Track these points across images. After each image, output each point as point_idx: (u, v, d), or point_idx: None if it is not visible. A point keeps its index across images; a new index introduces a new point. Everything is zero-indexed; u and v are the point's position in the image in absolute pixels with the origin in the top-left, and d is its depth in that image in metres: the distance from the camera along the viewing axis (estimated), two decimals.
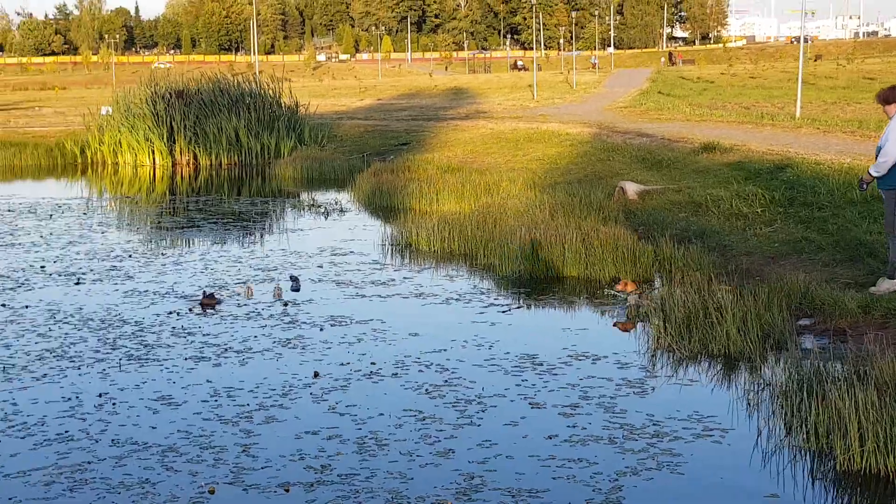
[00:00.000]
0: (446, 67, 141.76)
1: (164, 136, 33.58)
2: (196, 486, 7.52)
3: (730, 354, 10.71)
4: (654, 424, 8.81)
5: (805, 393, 8.69)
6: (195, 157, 33.76)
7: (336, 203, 23.65)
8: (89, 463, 7.95)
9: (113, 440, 8.46)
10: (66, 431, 8.65)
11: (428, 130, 37.55)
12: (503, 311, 12.93)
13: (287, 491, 7.46)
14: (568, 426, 8.80)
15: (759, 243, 15.46)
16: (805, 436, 8.28)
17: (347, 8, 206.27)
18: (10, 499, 7.32)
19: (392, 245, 17.44)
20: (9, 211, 22.53)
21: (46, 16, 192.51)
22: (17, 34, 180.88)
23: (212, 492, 7.43)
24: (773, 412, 8.90)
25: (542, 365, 10.59)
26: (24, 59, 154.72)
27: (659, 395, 9.63)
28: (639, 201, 19.98)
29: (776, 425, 8.63)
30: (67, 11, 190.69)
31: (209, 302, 13.17)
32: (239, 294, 13.82)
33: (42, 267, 15.83)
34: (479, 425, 8.86)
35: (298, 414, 9.15)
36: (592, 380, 10.09)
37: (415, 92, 74.63)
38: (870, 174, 12.20)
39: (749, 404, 9.26)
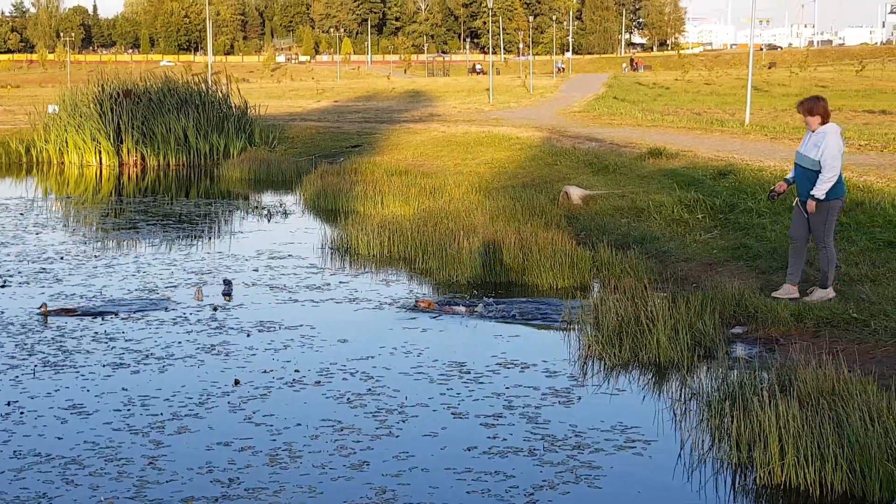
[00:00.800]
0: (405, 70, 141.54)
1: (111, 136, 33.12)
2: (95, 500, 7.24)
3: (660, 363, 10.56)
4: (576, 435, 8.63)
5: (729, 404, 8.54)
6: (143, 158, 33.35)
7: (280, 205, 23.37)
8: None
9: (15, 452, 8.17)
10: None
11: (380, 133, 37.30)
12: (434, 317, 12.72)
13: None
14: (488, 437, 8.60)
15: (697, 250, 15.35)
16: (728, 448, 8.12)
17: (308, 10, 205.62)
18: None
19: (331, 249, 17.20)
20: None
21: (3, 13, 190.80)
22: None
23: None
24: (698, 423, 8.75)
25: (469, 373, 10.39)
26: None
27: (584, 405, 9.46)
28: (583, 206, 19.84)
29: (700, 437, 8.47)
30: (24, 9, 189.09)
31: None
32: (189, 295, 13.60)
33: None
34: (397, 436, 8.64)
35: (213, 424, 8.90)
36: (518, 389, 9.90)
37: (372, 94, 74.41)
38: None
39: (675, 415, 9.11)
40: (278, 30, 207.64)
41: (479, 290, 14.15)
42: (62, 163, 33.54)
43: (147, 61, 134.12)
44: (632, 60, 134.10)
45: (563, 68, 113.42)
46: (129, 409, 9.22)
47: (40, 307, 12.63)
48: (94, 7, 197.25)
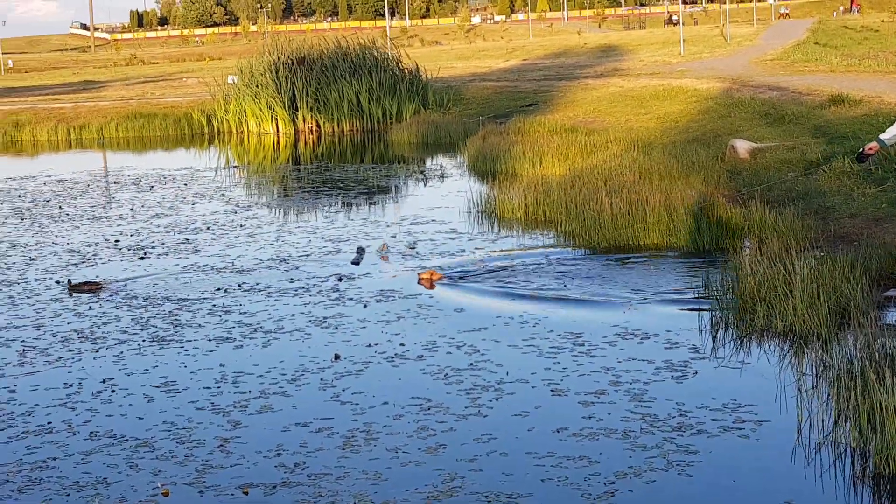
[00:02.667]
0: (599, 25, 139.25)
1: (286, 104, 33.39)
2: (152, 487, 6.96)
3: (795, 332, 9.65)
4: (680, 415, 7.91)
5: (860, 379, 7.63)
6: (318, 125, 33.51)
7: (439, 168, 23.01)
8: (53, 459, 7.46)
9: (91, 433, 7.97)
10: (49, 423, 8.21)
11: (556, 91, 36.49)
12: (563, 284, 12.07)
13: (245, 493, 6.84)
14: (583, 417, 7.96)
15: (865, 204, 14.18)
16: (847, 431, 7.25)
17: None
18: None
19: (476, 212, 16.69)
20: (114, 183, 22.57)
21: None
22: (180, 7, 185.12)
23: (165, 494, 6.87)
24: (823, 402, 7.86)
25: (582, 346, 9.74)
26: (187, 32, 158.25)
27: (698, 381, 8.70)
28: (749, 160, 18.72)
29: (821, 418, 7.59)
30: None
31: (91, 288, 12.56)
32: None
33: (116, 241, 15.60)
34: (485, 416, 8.09)
35: (298, 402, 8.54)
36: (631, 362, 9.20)
37: (562, 51, 73.14)
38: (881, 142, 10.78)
39: (799, 392, 8.22)
40: None
41: (614, 252, 13.42)
42: (241, 132, 34.01)
43: (344, 28, 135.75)
44: (851, 2, 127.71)
45: (788, 13, 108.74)
46: (218, 387, 8.95)
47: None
48: None
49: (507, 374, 9.04)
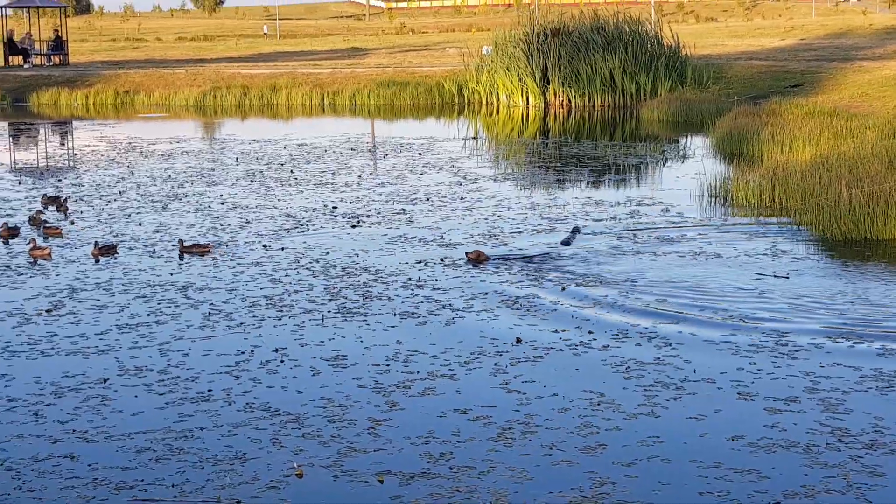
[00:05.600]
0: (889, 6, 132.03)
1: (537, 77, 32.89)
2: (288, 467, 6.67)
3: None
4: (875, 431, 7.06)
5: None
6: (568, 99, 32.84)
7: (682, 148, 22.08)
8: (201, 429, 7.30)
9: (247, 405, 7.78)
10: (209, 391, 8.08)
11: (826, 72, 34.51)
12: (782, 277, 11.13)
13: (381, 482, 6.46)
14: (765, 426, 7.21)
15: None
16: None
17: None
18: (92, 464, 6.81)
19: (708, 196, 15.78)
20: (351, 150, 22.69)
21: None
22: None
23: (299, 476, 6.57)
24: None
25: (785, 346, 8.90)
26: (459, 2, 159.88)
27: None
28: None
29: None
30: None
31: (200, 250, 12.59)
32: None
33: (334, 208, 15.57)
34: (657, 416, 7.44)
35: (463, 387, 8.11)
36: (835, 368, 8.34)
37: (844, 31, 69.57)
38: None
39: None
40: None
41: (849, 246, 12.36)
42: (490, 104, 33.78)
43: (620, 2, 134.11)
44: None
45: None
46: (387, 365, 8.63)
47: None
48: None
49: (694, 371, 8.34)
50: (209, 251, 12.62)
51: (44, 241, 13.34)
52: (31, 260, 12.44)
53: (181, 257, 12.48)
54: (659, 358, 8.68)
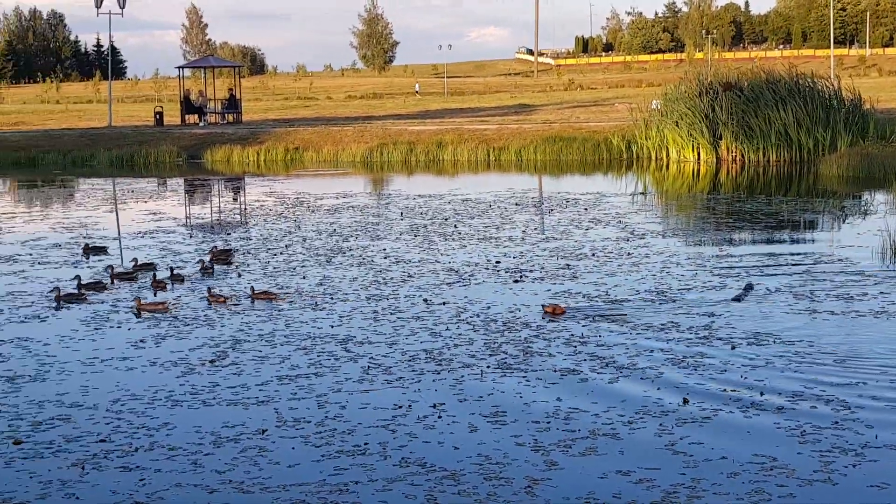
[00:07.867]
0: None
1: (707, 132, 32.25)
2: None
3: None
4: None
5: None
6: (741, 153, 32.09)
7: (863, 204, 21.27)
8: (355, 483, 7.15)
9: (402, 459, 7.60)
10: (365, 444, 7.93)
11: None
12: None
13: None
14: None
15: None
16: None
17: None
18: None
19: (892, 253, 15.03)
20: (516, 205, 22.51)
21: (656, 14, 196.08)
22: (626, 33, 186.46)
23: None
24: None
25: None
26: (630, 58, 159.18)
27: None
28: None
29: None
30: (676, 9, 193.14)
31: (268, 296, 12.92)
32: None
33: (497, 262, 15.38)
34: (835, 483, 6.97)
35: (626, 448, 7.79)
36: None
37: None
38: None
39: None
40: None
41: None
42: (660, 159, 33.24)
43: (796, 56, 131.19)
44: None
45: None
46: (548, 422, 8.35)
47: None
48: (746, 3, 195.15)
49: (876, 437, 7.80)
50: (276, 297, 13.08)
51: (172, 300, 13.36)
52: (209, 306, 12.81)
53: (252, 302, 12.91)
54: (837, 422, 8.17)
